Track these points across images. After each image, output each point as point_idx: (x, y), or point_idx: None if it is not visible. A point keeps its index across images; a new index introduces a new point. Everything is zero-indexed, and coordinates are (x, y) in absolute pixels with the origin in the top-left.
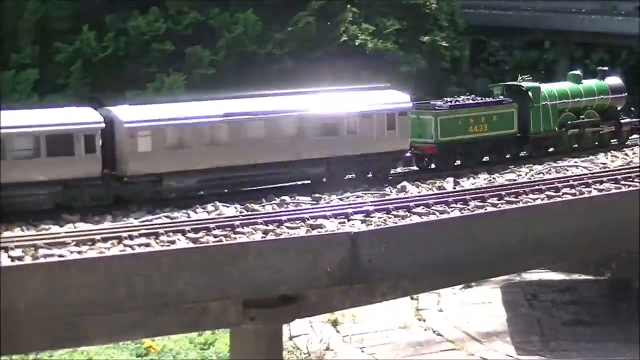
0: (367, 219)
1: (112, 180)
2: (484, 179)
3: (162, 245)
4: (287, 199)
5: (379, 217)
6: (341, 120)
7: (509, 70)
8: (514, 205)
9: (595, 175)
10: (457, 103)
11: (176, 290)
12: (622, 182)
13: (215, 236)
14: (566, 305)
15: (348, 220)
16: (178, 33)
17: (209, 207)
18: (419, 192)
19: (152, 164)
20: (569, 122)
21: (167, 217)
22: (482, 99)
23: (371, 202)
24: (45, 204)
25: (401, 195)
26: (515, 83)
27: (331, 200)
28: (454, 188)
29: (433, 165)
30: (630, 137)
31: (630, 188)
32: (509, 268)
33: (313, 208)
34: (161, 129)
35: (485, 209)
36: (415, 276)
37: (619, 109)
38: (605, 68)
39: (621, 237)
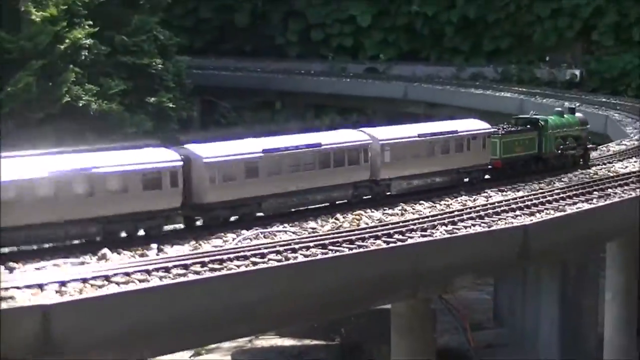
0: (63, 289)
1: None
2: (190, 245)
3: None
4: None
5: (75, 287)
6: (464, 141)
7: (241, 132)
8: (218, 273)
9: (303, 240)
10: (510, 129)
11: None
12: (330, 247)
13: None
14: None
15: (42, 291)
16: None
17: None
18: (120, 260)
19: (390, 171)
20: (561, 146)
21: None
22: (516, 128)
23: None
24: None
25: (101, 263)
26: (530, 116)
27: (25, 270)
28: (157, 255)
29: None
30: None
31: (338, 253)
32: (217, 336)
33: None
34: (396, 145)
35: (188, 277)
36: (115, 348)
37: (583, 137)
38: (574, 106)
39: (330, 303)
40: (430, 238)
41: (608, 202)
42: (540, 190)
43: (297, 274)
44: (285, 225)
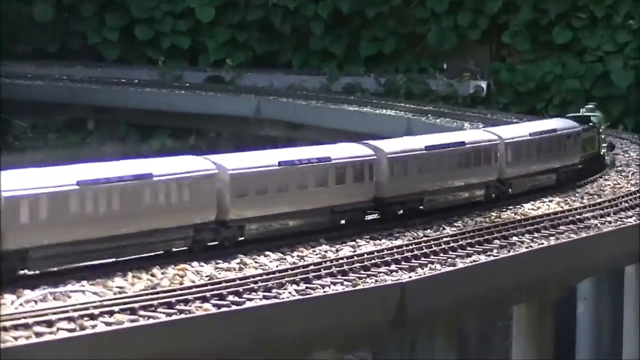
0: None
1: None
2: None
3: None
4: None
5: None
6: (563, 140)
7: (42, 158)
8: None
9: (106, 303)
10: (583, 127)
11: None
12: (141, 312)
13: None
14: None
15: None
16: None
17: None
18: None
19: (512, 170)
20: (603, 144)
21: None
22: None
23: None
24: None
25: None
26: (585, 114)
27: None
28: None
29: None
30: None
31: (151, 320)
32: None
33: None
34: (517, 144)
35: None
36: None
37: None
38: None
39: None
40: (276, 300)
41: (512, 253)
42: (425, 238)
43: (96, 347)
44: (84, 283)
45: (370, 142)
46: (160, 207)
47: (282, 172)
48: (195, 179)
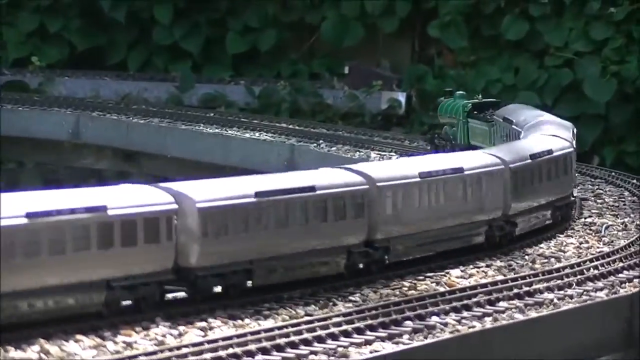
0: None
1: None
2: None
3: None
4: None
5: None
6: None
7: None
8: None
9: None
10: None
11: None
12: None
13: None
14: None
15: None
16: None
17: None
18: None
19: None
20: None
21: None
22: None
23: None
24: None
25: None
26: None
27: None
28: None
29: None
30: None
31: None
32: None
33: None
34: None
35: None
36: None
37: None
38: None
39: None
40: None
41: (431, 340)
42: (306, 318)
43: None
44: None
45: (557, 133)
46: (467, 201)
47: (535, 165)
48: (490, 173)
